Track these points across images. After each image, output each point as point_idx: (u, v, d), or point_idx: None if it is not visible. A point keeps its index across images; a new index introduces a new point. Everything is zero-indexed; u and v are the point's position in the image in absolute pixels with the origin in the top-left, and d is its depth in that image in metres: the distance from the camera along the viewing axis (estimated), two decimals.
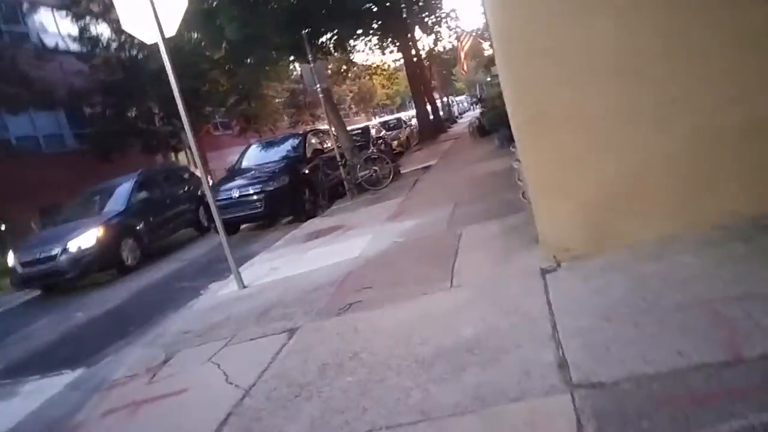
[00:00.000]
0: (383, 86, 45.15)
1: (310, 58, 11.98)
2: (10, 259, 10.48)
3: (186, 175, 14.60)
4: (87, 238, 10.03)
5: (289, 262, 6.94)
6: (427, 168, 14.56)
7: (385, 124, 26.48)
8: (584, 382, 2.58)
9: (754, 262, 3.28)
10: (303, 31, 11.78)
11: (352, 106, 48.57)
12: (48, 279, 10.08)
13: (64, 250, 9.89)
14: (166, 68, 6.01)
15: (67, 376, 4.91)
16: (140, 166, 19.80)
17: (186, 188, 13.88)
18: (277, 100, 28.91)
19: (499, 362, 2.98)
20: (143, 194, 11.89)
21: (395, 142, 22.76)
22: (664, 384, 2.42)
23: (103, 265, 10.15)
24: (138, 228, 11.22)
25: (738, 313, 2.79)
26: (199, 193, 13.83)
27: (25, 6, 20.18)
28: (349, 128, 17.42)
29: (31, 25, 20.28)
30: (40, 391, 4.72)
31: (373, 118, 44.89)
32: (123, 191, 11.76)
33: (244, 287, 6.07)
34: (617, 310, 3.19)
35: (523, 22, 4.10)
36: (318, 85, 12.11)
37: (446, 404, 2.70)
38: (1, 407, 4.70)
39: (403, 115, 33.36)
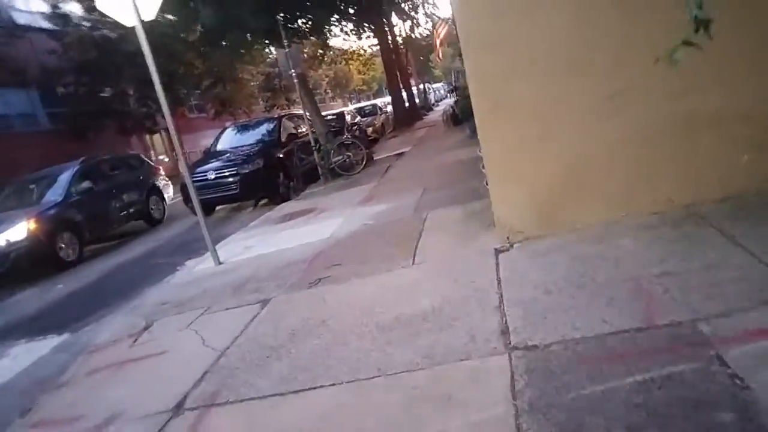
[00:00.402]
0: (359, 72, 45.19)
1: (286, 43, 12.14)
2: None
3: (136, 164, 13.68)
4: (17, 231, 9.13)
5: (264, 242, 7.23)
6: (400, 155, 14.88)
7: (360, 110, 26.64)
8: (521, 345, 2.98)
9: (678, 244, 3.72)
10: (278, 16, 11.90)
11: (328, 91, 48.54)
12: None
13: None
14: (144, 52, 6.12)
15: (53, 341, 5.18)
16: (115, 147, 20.12)
17: (135, 178, 12.94)
18: (252, 84, 28.84)
19: (450, 328, 3.35)
20: (85, 184, 10.92)
21: (370, 129, 22.98)
22: (588, 346, 2.83)
23: (35, 261, 9.23)
24: (77, 220, 10.27)
25: (657, 287, 3.21)
26: (154, 182, 13.30)
27: None
28: (324, 113, 17.58)
29: (1, 4, 19.99)
30: (28, 353, 5.01)
31: (348, 103, 44.98)
32: (62, 180, 10.89)
33: (220, 264, 6.35)
34: (557, 284, 3.59)
35: (480, 15, 4.44)
36: (293, 70, 12.29)
37: (401, 362, 3.07)
38: None
39: (379, 101, 33.49)
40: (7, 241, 9.03)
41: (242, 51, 17.10)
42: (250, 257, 6.45)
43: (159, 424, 2.99)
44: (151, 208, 12.88)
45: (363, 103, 34.17)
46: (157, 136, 25.49)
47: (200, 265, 6.65)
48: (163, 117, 6.61)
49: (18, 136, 18.83)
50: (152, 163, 14.39)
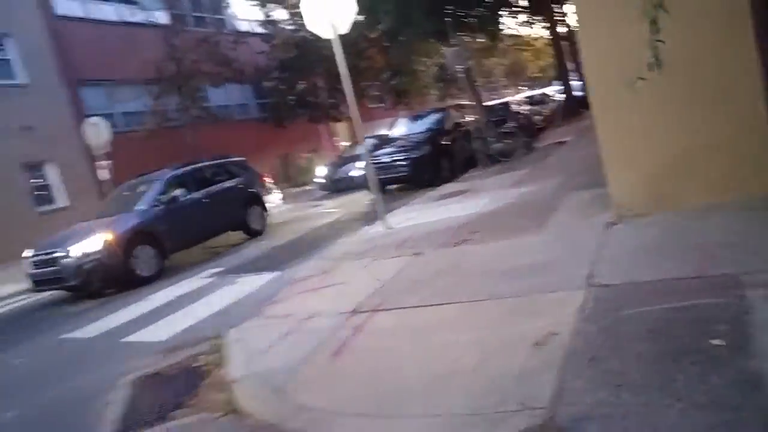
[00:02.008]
0: (533, 60, 44.93)
1: (453, 43, 13.46)
2: (26, 255, 9.37)
3: (238, 170, 12.43)
4: (93, 243, 8.77)
5: (423, 214, 8.70)
6: (561, 144, 15.44)
7: (530, 99, 26.93)
8: (598, 284, 4.02)
9: (760, 221, 4.41)
10: (446, 19, 13.27)
11: (502, 78, 48.81)
12: (53, 284, 9.08)
13: (67, 255, 8.74)
14: (337, 59, 7.84)
15: (268, 275, 7.22)
16: (306, 133, 23.83)
17: (236, 185, 11.86)
18: (426, 75, 30.57)
19: (551, 273, 4.48)
20: (176, 193, 10.23)
21: (538, 117, 23.31)
22: (645, 285, 3.80)
23: (109, 275, 8.81)
24: (160, 233, 9.57)
25: (721, 252, 4.02)
26: (255, 191, 12.37)
27: None
28: (491, 102, 18.66)
29: (227, 14, 24.92)
30: (252, 281, 7.10)
31: (522, 90, 44.97)
32: (152, 189, 10.24)
33: (388, 229, 7.93)
34: (644, 248, 4.52)
35: (597, 22, 5.35)
36: (459, 67, 13.56)
37: (508, 292, 4.28)
38: (230, 289, 7.12)
39: (551, 89, 33.31)
40: (84, 252, 8.70)
41: (416, 46, 18.92)
42: (411, 225, 7.94)
43: (343, 318, 4.54)
44: (249, 219, 11.81)
45: (533, 92, 34.19)
46: (341, 124, 28.47)
47: (372, 230, 8.30)
48: (347, 107, 8.28)
49: (236, 123, 23.30)
50: (256, 170, 13.42)
